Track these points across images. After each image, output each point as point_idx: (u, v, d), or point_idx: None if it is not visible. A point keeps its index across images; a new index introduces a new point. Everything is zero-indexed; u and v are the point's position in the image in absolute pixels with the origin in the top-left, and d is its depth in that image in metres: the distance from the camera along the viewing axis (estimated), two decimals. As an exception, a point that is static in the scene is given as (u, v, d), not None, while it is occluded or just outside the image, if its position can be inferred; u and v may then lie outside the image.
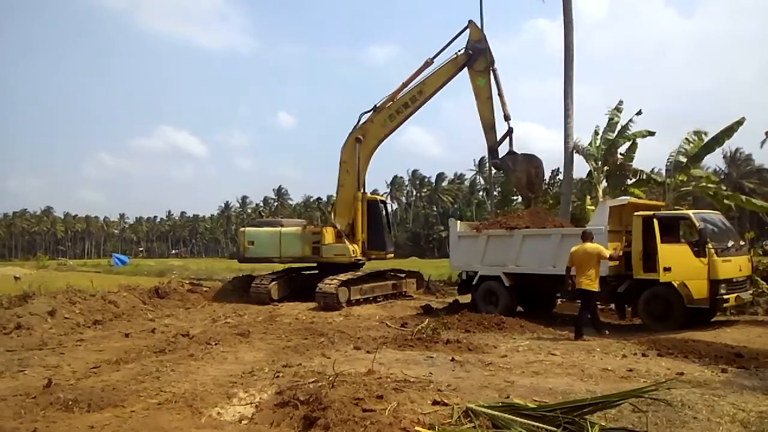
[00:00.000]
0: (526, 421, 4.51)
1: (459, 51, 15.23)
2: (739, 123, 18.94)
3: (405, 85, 15.47)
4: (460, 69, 15.29)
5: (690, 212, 11.67)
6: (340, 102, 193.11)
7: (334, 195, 16.72)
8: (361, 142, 16.16)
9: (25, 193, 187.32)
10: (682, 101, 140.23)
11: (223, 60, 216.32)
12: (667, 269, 10.69)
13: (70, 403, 5.89)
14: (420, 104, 15.60)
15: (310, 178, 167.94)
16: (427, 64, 15.30)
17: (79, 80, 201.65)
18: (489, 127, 15.08)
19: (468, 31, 15.22)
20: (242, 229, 16.79)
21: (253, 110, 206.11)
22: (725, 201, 20.09)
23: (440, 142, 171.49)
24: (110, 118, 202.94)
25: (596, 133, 21.16)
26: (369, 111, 15.87)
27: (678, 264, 10.68)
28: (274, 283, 16.84)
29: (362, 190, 16.98)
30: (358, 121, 16.29)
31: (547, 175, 34.26)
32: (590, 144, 20.98)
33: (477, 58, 15.11)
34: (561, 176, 22.56)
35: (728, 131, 18.98)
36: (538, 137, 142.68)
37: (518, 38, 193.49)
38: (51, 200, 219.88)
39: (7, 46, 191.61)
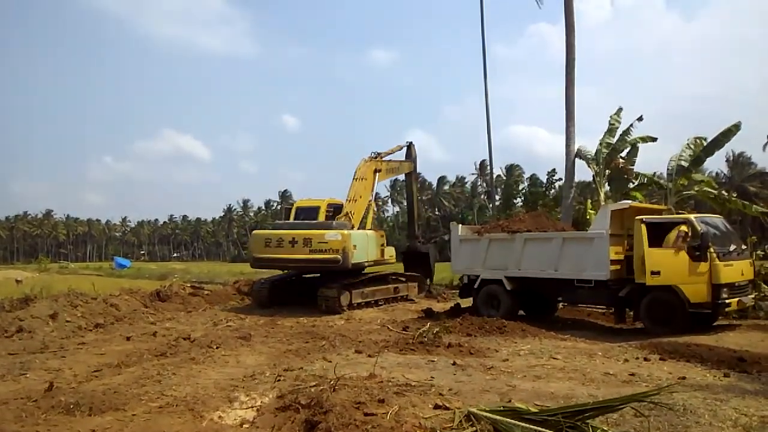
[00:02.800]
0: (527, 425, 4.51)
1: (407, 159, 19.83)
2: (736, 126, 19.16)
3: (391, 152, 19.03)
4: (408, 171, 20.02)
5: (691, 216, 11.64)
6: (344, 104, 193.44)
7: (347, 201, 16.79)
8: (378, 174, 17.82)
9: (28, 196, 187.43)
10: (684, 105, 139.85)
11: (226, 63, 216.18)
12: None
13: (72, 406, 5.91)
14: (400, 174, 20.48)
15: (313, 181, 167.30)
16: (400, 147, 19.58)
17: (83, 84, 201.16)
18: (416, 219, 20.95)
19: (412, 149, 19.81)
20: (346, 231, 15.21)
21: (256, 113, 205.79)
22: (726, 204, 20.21)
23: (441, 146, 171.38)
24: (115, 122, 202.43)
25: (601, 138, 21.26)
26: (378, 153, 18.01)
27: (680, 268, 10.66)
28: (275, 286, 16.83)
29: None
30: (370, 156, 17.79)
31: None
32: (595, 152, 21.09)
33: (415, 169, 20.28)
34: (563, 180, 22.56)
35: (726, 134, 19.17)
36: (541, 141, 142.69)
37: (521, 42, 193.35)
38: (54, 203, 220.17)
39: (11, 49, 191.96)
